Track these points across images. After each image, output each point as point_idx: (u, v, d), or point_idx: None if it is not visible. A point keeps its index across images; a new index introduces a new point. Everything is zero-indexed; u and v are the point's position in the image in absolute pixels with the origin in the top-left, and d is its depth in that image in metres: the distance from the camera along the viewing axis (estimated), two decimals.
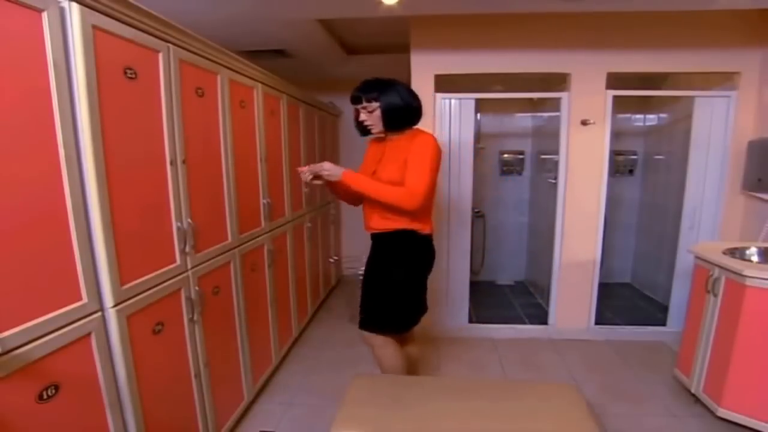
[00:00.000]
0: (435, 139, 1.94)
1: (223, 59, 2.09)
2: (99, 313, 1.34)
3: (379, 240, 2.03)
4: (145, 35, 1.52)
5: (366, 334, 2.07)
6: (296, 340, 3.33)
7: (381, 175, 1.95)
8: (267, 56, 3.58)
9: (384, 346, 2.06)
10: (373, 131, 1.99)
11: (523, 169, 4.52)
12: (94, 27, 1.28)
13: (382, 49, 3.82)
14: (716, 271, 2.26)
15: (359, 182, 1.89)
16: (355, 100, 1.95)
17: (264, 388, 2.67)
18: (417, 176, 1.84)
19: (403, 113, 1.94)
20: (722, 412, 2.21)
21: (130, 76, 1.45)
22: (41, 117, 1.15)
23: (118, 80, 1.40)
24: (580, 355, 3.11)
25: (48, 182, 1.17)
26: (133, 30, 1.46)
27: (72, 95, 1.23)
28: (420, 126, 2.02)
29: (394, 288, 2.00)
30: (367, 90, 1.91)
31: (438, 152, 1.93)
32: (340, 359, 3.04)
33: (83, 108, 1.25)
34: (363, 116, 1.95)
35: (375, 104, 1.91)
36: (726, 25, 2.89)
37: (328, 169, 1.92)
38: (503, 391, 1.74)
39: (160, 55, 1.61)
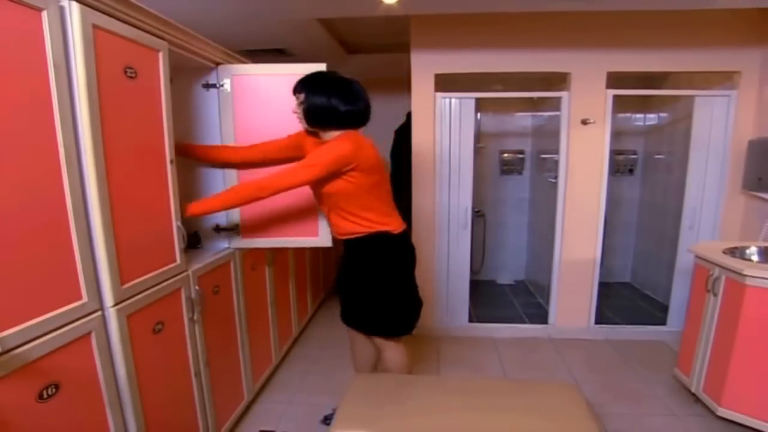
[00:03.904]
0: (348, 148, 1.80)
1: (220, 56, 2.09)
2: (99, 313, 1.34)
3: (355, 245, 1.98)
4: (146, 35, 1.52)
5: (378, 339, 2.07)
6: (296, 339, 3.33)
7: None
8: (267, 55, 3.58)
9: (396, 347, 2.08)
10: (302, 126, 1.94)
11: (523, 168, 4.51)
12: (95, 26, 1.28)
13: (382, 48, 3.82)
14: (716, 271, 2.26)
15: (211, 202, 1.90)
16: (294, 90, 1.90)
17: (264, 387, 2.67)
18: (285, 169, 1.85)
19: (319, 111, 1.85)
20: (722, 412, 2.21)
21: (130, 75, 1.45)
22: (41, 116, 1.15)
23: (118, 79, 1.40)
24: (580, 355, 3.11)
25: (48, 181, 1.17)
26: (134, 29, 1.46)
27: (72, 95, 1.23)
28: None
29: (393, 293, 2.00)
30: (299, 83, 1.87)
31: (334, 159, 1.79)
32: (340, 358, 3.04)
33: (83, 107, 1.25)
34: (294, 107, 1.91)
35: (301, 96, 1.86)
36: (726, 25, 2.89)
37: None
38: (503, 390, 1.74)
39: (160, 54, 1.61)
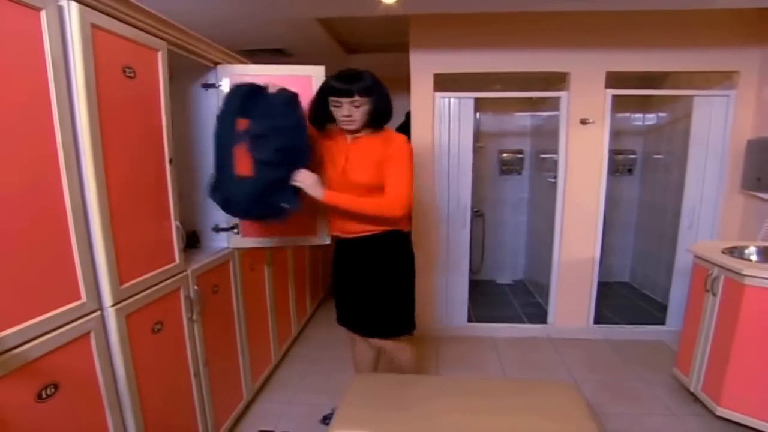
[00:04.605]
0: (409, 141, 1.91)
1: (219, 56, 2.09)
2: (98, 313, 1.34)
3: (369, 244, 1.96)
4: (145, 34, 1.52)
5: (398, 344, 2.07)
6: (296, 339, 3.33)
7: (350, 176, 1.87)
8: (266, 55, 3.58)
9: (408, 344, 2.10)
10: (349, 126, 1.84)
11: (522, 168, 4.51)
12: (93, 26, 1.27)
13: (381, 48, 3.82)
14: (715, 271, 2.26)
15: (343, 201, 1.84)
16: (345, 92, 1.77)
17: (263, 387, 2.67)
18: (400, 183, 1.83)
19: (388, 113, 1.88)
20: (721, 411, 2.21)
21: (129, 75, 1.45)
22: (40, 116, 1.15)
23: (117, 79, 1.40)
24: (579, 354, 3.12)
25: (47, 181, 1.17)
26: (133, 29, 1.46)
27: (71, 94, 1.23)
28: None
29: (410, 288, 2.03)
30: (359, 84, 1.77)
31: (412, 155, 1.89)
32: (339, 358, 3.04)
33: (82, 107, 1.25)
34: (347, 110, 1.79)
35: (364, 99, 1.79)
36: (725, 25, 2.90)
37: (302, 180, 1.80)
38: (503, 390, 1.74)
39: (159, 54, 1.61)
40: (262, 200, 1.76)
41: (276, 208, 1.79)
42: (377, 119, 1.86)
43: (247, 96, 1.74)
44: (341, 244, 2.06)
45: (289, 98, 1.79)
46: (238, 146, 1.72)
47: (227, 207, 1.84)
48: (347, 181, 1.87)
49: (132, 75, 1.46)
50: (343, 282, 2.08)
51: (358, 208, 1.84)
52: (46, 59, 1.15)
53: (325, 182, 1.88)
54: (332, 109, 1.83)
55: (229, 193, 1.77)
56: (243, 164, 1.72)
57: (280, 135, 1.72)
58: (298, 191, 1.81)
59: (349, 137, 1.91)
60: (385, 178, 1.84)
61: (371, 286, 1.99)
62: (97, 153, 1.30)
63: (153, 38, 1.57)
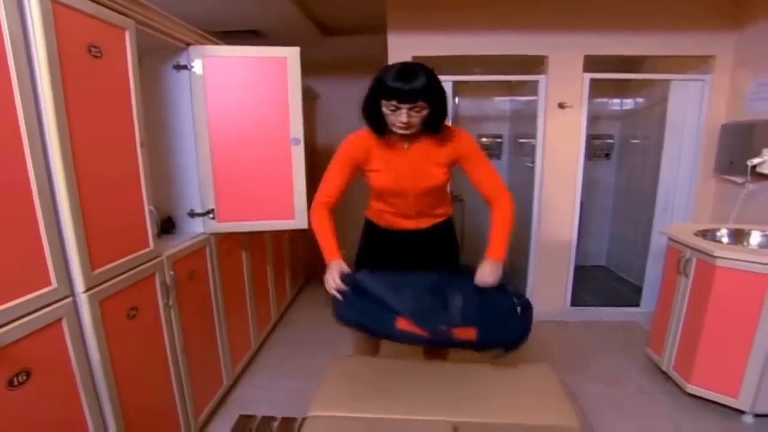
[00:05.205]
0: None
1: (191, 36, 2.04)
2: (70, 299, 1.32)
3: (429, 232, 1.91)
4: (110, 11, 1.47)
5: None
6: (276, 323, 3.32)
7: (420, 184, 1.75)
8: (241, 37, 3.50)
9: None
10: (404, 131, 1.62)
11: (501, 153, 4.52)
12: (54, 2, 1.22)
13: (359, 30, 3.76)
14: (688, 252, 2.31)
15: (503, 243, 1.72)
16: (405, 97, 1.53)
17: (244, 372, 2.67)
18: (495, 178, 1.77)
19: (446, 115, 1.69)
20: (691, 388, 2.28)
21: (95, 54, 1.40)
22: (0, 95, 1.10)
23: (82, 58, 1.35)
24: (555, 336, 3.17)
25: (10, 164, 1.13)
26: (97, 5, 1.41)
27: (33, 73, 1.18)
28: None
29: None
30: (421, 85, 1.52)
31: None
32: (320, 343, 3.05)
33: (45, 86, 1.20)
34: (405, 117, 1.56)
35: (426, 104, 1.57)
36: (702, 8, 2.92)
37: (486, 278, 1.66)
38: (479, 371, 1.76)
39: (127, 33, 1.55)
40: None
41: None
42: (435, 123, 1.66)
43: None
44: (393, 236, 1.92)
45: None
46: None
47: None
48: (416, 188, 1.76)
49: (98, 54, 1.41)
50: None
51: (509, 231, 1.75)
52: (3, 36, 1.09)
53: (377, 189, 1.81)
54: (385, 111, 1.60)
55: None
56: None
57: None
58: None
59: (406, 144, 1.73)
60: (472, 176, 1.77)
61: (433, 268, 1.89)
62: (63, 135, 1.26)
63: (119, 16, 1.52)
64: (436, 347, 2.02)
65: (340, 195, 1.78)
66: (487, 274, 1.65)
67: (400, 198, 1.81)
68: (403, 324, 1.55)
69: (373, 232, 1.98)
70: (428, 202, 1.85)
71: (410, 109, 1.55)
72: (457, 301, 1.58)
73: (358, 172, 1.79)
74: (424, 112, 1.58)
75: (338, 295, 1.60)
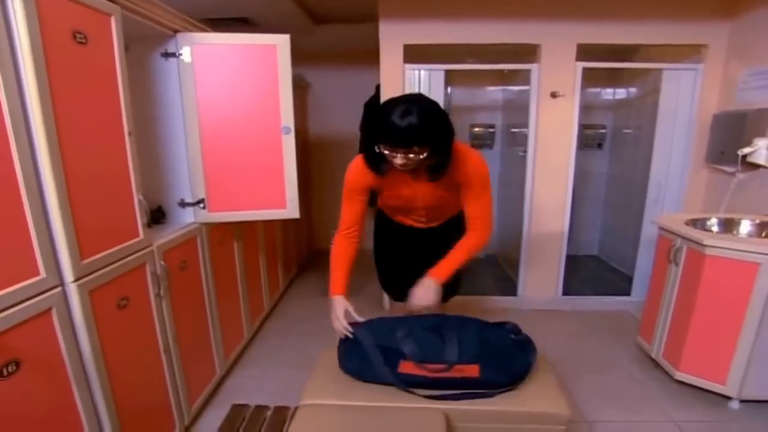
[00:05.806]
0: (482, 158, 1.71)
1: (180, 23, 2.01)
2: (59, 288, 1.31)
3: (444, 225, 1.94)
4: None
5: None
6: (269, 314, 3.32)
7: (432, 203, 1.77)
8: (230, 24, 3.46)
9: None
10: (404, 170, 1.56)
11: (493, 142, 4.52)
12: None
13: (351, 18, 3.72)
14: (678, 242, 2.33)
15: (449, 269, 1.70)
16: (400, 143, 1.44)
17: (236, 362, 2.67)
18: (485, 211, 1.73)
19: (449, 159, 1.58)
20: (680, 375, 2.31)
21: (80, 40, 1.38)
22: None
23: (66, 45, 1.33)
24: (547, 325, 3.20)
25: None
26: None
27: (15, 59, 1.16)
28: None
29: None
30: (418, 131, 1.41)
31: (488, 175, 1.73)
32: (312, 332, 3.05)
33: (29, 73, 1.18)
34: (401, 160, 1.48)
35: (424, 148, 1.46)
36: None
37: (419, 299, 1.65)
38: None
39: (113, 19, 1.53)
40: None
41: None
42: (436, 169, 1.58)
43: None
44: (404, 229, 1.96)
45: None
46: None
47: None
48: (425, 206, 1.80)
49: (83, 41, 1.39)
50: (417, 260, 1.86)
51: (464, 261, 1.72)
52: None
53: (385, 207, 1.88)
54: (383, 150, 1.50)
55: None
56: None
57: None
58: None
59: (410, 176, 1.67)
60: (466, 200, 1.73)
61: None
62: (49, 122, 1.24)
63: (104, 1, 1.48)
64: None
65: (360, 225, 1.78)
66: (420, 294, 1.64)
67: (411, 211, 1.87)
68: (404, 367, 1.55)
69: (384, 222, 2.03)
70: (440, 211, 1.87)
71: (406, 153, 1.45)
72: (455, 339, 1.57)
73: (369, 192, 1.76)
74: (423, 155, 1.47)
75: (349, 334, 1.63)
